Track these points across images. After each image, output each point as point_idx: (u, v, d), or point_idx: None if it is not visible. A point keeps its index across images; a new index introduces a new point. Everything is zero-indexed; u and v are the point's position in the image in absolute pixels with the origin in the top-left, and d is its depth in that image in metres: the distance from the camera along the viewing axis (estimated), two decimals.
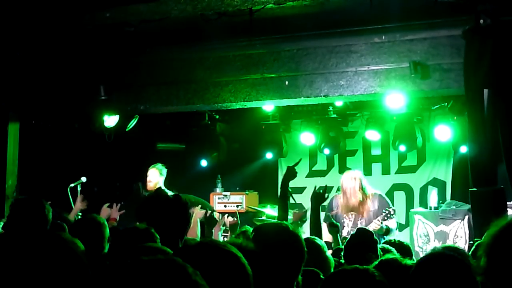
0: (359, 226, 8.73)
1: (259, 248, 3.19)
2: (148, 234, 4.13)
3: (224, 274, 1.75)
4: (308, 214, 7.51)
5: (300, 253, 3.55)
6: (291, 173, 6.97)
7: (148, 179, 9.94)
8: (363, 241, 5.49)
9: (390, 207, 8.83)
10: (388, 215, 8.65)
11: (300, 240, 3.58)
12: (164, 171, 9.99)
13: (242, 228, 7.22)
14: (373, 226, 8.55)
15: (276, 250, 3.46)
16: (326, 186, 7.24)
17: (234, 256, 2.41)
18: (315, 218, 7.01)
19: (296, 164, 7.21)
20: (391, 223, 8.83)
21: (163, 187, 9.65)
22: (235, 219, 8.17)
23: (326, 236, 8.99)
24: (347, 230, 8.79)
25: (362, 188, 8.99)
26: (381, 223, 8.70)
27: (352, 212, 8.93)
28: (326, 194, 7.24)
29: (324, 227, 9.12)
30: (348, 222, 8.92)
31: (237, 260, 2.40)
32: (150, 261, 1.73)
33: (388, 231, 8.73)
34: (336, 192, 9.52)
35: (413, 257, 5.59)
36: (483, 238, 2.21)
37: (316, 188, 7.23)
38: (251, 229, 7.18)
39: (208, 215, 7.27)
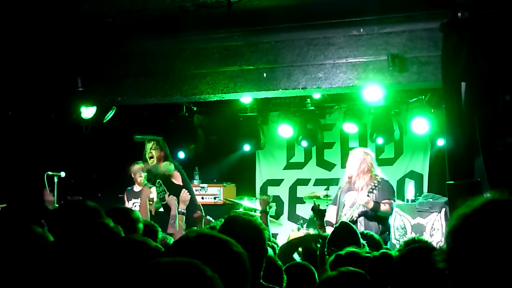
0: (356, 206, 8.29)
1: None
2: (96, 211, 4.02)
3: (225, 266, 1.74)
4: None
5: (264, 245, 3.61)
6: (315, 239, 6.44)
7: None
8: (345, 234, 5.52)
9: (392, 198, 8.37)
10: (374, 187, 8.21)
11: (265, 236, 3.61)
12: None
13: (212, 223, 7.19)
14: (361, 199, 8.17)
15: (242, 241, 3.51)
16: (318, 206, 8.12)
17: (233, 247, 2.42)
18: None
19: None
20: (384, 207, 8.25)
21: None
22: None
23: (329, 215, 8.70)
24: (346, 209, 8.37)
25: (370, 169, 8.45)
26: (368, 195, 8.20)
27: (353, 191, 8.45)
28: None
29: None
30: (348, 201, 8.44)
31: (236, 252, 2.41)
32: (169, 263, 1.71)
33: (377, 206, 8.20)
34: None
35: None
36: (449, 222, 2.02)
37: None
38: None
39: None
